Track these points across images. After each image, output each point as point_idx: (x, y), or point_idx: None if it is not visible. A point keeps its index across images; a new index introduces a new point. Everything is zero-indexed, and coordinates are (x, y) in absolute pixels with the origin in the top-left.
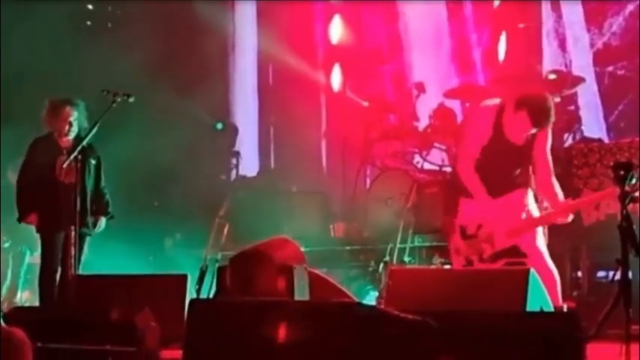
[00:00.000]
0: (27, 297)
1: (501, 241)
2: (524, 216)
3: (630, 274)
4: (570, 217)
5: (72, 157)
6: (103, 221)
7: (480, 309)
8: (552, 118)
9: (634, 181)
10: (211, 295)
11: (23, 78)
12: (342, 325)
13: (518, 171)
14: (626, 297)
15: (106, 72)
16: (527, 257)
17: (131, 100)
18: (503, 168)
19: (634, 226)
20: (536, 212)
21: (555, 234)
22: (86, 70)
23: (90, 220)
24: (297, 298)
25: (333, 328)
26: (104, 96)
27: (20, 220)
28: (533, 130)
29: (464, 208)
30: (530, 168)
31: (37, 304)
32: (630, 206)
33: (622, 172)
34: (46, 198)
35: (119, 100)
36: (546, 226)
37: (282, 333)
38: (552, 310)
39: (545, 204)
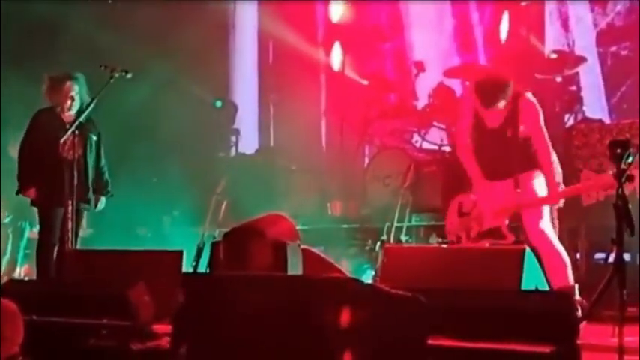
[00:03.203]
0: (26, 271)
1: (488, 221)
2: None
3: (629, 257)
4: (561, 203)
5: (70, 132)
6: (103, 201)
7: (474, 287)
8: (501, 100)
9: (630, 159)
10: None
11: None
12: (333, 299)
13: (507, 156)
14: (620, 277)
15: (104, 48)
16: (506, 239)
17: (129, 76)
18: (492, 152)
19: (629, 206)
20: (541, 193)
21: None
22: (84, 46)
23: (91, 196)
24: (290, 273)
25: (324, 303)
26: (102, 71)
27: (19, 192)
28: (487, 111)
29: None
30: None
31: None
32: (631, 187)
33: (618, 151)
34: (47, 173)
35: (117, 75)
36: (555, 212)
37: (273, 307)
38: (548, 289)
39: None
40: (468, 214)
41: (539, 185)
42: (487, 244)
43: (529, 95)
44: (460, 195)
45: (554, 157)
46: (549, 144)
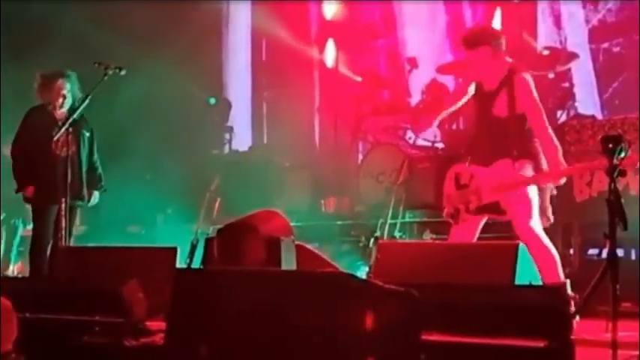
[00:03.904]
0: (19, 269)
1: (487, 195)
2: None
3: (622, 252)
4: (562, 181)
5: (63, 129)
6: (96, 195)
7: (468, 283)
8: (482, 44)
9: (623, 154)
10: None
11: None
12: (328, 294)
13: (508, 138)
14: (613, 273)
15: (97, 45)
16: (506, 215)
17: (123, 73)
18: (492, 135)
19: (622, 200)
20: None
21: None
22: (78, 44)
23: (85, 193)
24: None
25: (319, 298)
26: (96, 69)
27: (18, 191)
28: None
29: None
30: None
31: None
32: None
33: (611, 145)
34: (40, 170)
35: (111, 72)
36: (548, 200)
37: (267, 302)
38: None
39: None
40: (466, 185)
41: (527, 174)
42: (483, 219)
43: (525, 74)
44: (456, 164)
45: (551, 133)
46: (546, 120)
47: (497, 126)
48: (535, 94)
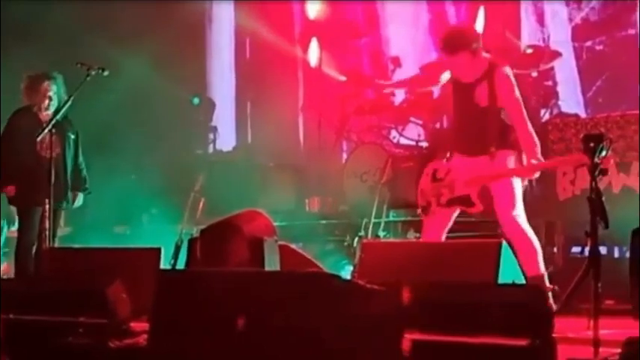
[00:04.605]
0: (5, 270)
1: (460, 189)
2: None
3: (605, 250)
4: (536, 175)
5: (46, 130)
6: (80, 197)
7: (451, 281)
8: (462, 49)
9: (604, 153)
10: None
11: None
12: (311, 295)
13: (488, 131)
14: (595, 270)
15: (79, 44)
16: (475, 207)
17: (105, 73)
18: (471, 127)
19: (603, 199)
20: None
21: (530, 208)
22: (61, 45)
23: (70, 195)
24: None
25: (302, 299)
26: (78, 69)
27: None
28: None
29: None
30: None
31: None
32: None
33: (592, 144)
34: (25, 172)
35: (93, 73)
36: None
37: (250, 303)
38: (525, 283)
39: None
40: (441, 179)
41: (510, 165)
42: (454, 211)
43: (506, 68)
44: (435, 160)
45: (530, 128)
46: (525, 114)
47: (478, 116)
48: (516, 89)
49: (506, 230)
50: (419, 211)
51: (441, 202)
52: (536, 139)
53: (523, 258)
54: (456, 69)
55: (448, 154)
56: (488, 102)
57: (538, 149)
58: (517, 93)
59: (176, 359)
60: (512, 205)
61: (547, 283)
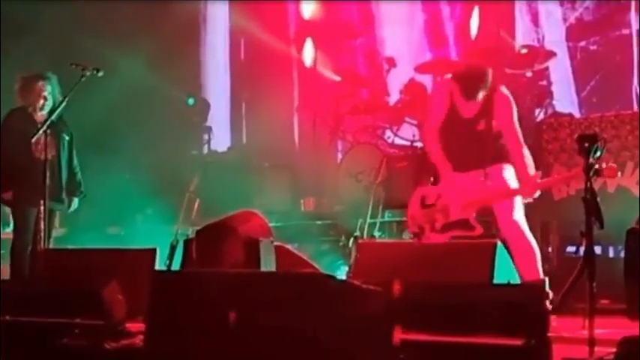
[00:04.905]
0: None
1: (456, 213)
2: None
3: (600, 250)
4: (537, 194)
5: (41, 131)
6: (75, 201)
7: (446, 281)
8: (482, 90)
9: (598, 153)
10: None
11: None
12: (306, 295)
13: (478, 147)
14: (590, 270)
15: (75, 45)
16: (475, 231)
17: (100, 74)
18: (463, 143)
19: (598, 199)
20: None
21: (525, 209)
22: (55, 45)
23: (64, 196)
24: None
25: (297, 299)
26: (73, 70)
27: None
28: (466, 102)
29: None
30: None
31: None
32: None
33: (587, 145)
34: (20, 173)
35: (88, 74)
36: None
37: (245, 304)
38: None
39: None
40: (432, 205)
41: (510, 178)
42: (452, 236)
43: (504, 89)
44: (421, 187)
45: (526, 152)
46: (521, 139)
47: (471, 134)
48: (514, 111)
49: (507, 234)
50: (411, 237)
51: (435, 228)
52: (529, 160)
53: (522, 263)
54: (467, 109)
55: (432, 179)
56: (485, 121)
57: (532, 171)
58: (515, 117)
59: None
60: (513, 209)
61: (547, 289)
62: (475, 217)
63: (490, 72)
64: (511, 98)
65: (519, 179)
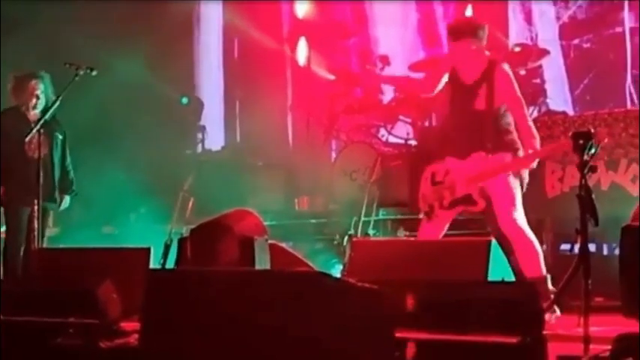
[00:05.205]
0: None
1: (461, 188)
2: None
3: (594, 247)
4: (534, 164)
5: (35, 130)
6: (67, 199)
7: (441, 279)
8: (469, 36)
9: (593, 150)
10: None
11: None
12: (302, 293)
13: (484, 130)
14: (585, 267)
15: (68, 45)
16: (477, 205)
17: (94, 73)
18: (469, 126)
19: (593, 196)
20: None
21: None
22: (46, 43)
23: (57, 196)
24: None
25: (292, 297)
26: (67, 69)
27: None
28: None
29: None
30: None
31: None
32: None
33: (581, 142)
34: (13, 172)
35: (82, 73)
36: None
37: (240, 303)
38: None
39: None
40: (441, 182)
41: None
42: (457, 212)
43: (505, 65)
44: (433, 164)
45: (531, 124)
46: (526, 110)
47: (475, 119)
48: (516, 86)
49: (507, 232)
50: (421, 215)
51: (443, 205)
52: (536, 134)
53: (524, 260)
54: (458, 58)
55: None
56: (487, 105)
57: (537, 142)
58: (517, 89)
59: (167, 358)
60: (512, 207)
61: (549, 286)
62: (479, 192)
63: (485, 25)
64: (511, 74)
65: (525, 147)
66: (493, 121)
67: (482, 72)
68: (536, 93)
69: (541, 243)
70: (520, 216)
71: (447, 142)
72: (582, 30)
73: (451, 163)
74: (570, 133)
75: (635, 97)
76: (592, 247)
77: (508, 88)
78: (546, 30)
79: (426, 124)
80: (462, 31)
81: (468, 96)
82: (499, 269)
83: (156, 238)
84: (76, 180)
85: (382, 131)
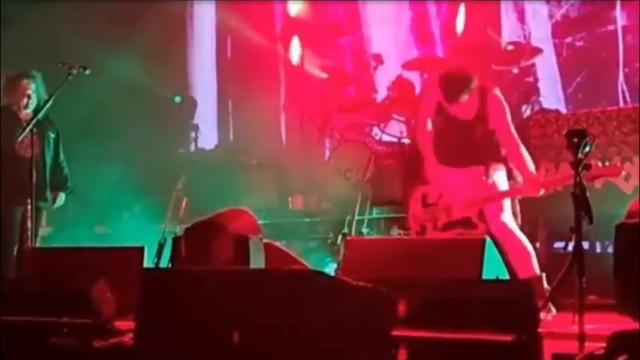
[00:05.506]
0: None
1: (458, 212)
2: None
3: (588, 245)
4: (541, 192)
5: (27, 129)
6: (62, 196)
7: (435, 277)
8: (464, 94)
9: (587, 148)
10: None
11: None
12: (296, 292)
13: (474, 146)
14: (579, 265)
15: (61, 43)
16: (478, 229)
17: (87, 72)
18: (456, 142)
19: (587, 194)
20: (503, 187)
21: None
22: (40, 42)
23: (49, 194)
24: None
25: (287, 296)
26: (60, 68)
27: None
28: (450, 105)
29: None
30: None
31: None
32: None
33: (575, 140)
34: (5, 171)
35: (75, 72)
36: (518, 206)
37: (235, 301)
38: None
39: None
40: (433, 204)
41: (501, 179)
42: (454, 234)
43: (496, 91)
44: (422, 186)
45: (524, 151)
46: (517, 138)
47: (467, 134)
48: (508, 112)
49: (498, 235)
50: (400, 233)
51: (437, 227)
52: (530, 160)
53: (517, 261)
54: (456, 110)
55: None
56: (481, 125)
57: (532, 167)
58: (509, 117)
59: (162, 358)
60: (501, 209)
61: (545, 284)
62: (478, 215)
63: (475, 77)
64: (503, 100)
65: (523, 178)
66: (486, 134)
67: (476, 110)
68: (529, 91)
69: (535, 241)
70: (509, 218)
71: (441, 152)
72: (575, 28)
73: (438, 180)
74: (564, 131)
75: (627, 95)
76: (585, 245)
77: (499, 115)
78: (539, 28)
79: None
80: (457, 93)
81: (461, 128)
82: (494, 267)
83: (149, 237)
84: (70, 177)
85: (375, 130)
